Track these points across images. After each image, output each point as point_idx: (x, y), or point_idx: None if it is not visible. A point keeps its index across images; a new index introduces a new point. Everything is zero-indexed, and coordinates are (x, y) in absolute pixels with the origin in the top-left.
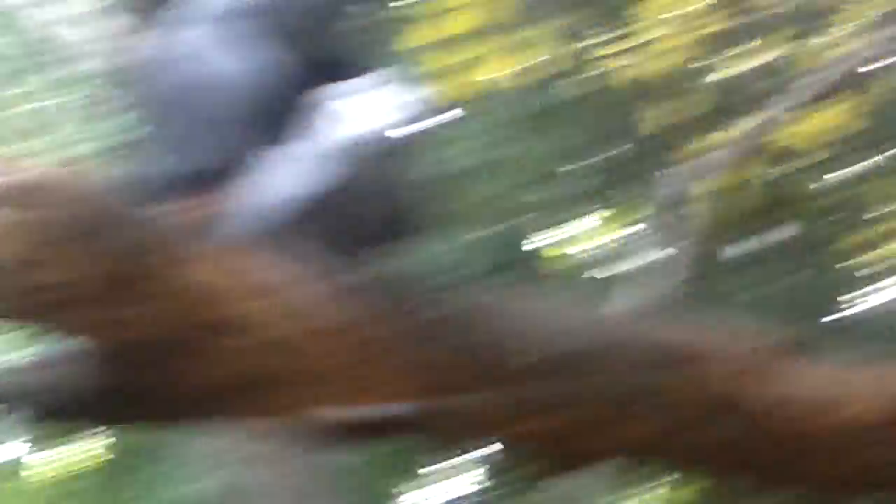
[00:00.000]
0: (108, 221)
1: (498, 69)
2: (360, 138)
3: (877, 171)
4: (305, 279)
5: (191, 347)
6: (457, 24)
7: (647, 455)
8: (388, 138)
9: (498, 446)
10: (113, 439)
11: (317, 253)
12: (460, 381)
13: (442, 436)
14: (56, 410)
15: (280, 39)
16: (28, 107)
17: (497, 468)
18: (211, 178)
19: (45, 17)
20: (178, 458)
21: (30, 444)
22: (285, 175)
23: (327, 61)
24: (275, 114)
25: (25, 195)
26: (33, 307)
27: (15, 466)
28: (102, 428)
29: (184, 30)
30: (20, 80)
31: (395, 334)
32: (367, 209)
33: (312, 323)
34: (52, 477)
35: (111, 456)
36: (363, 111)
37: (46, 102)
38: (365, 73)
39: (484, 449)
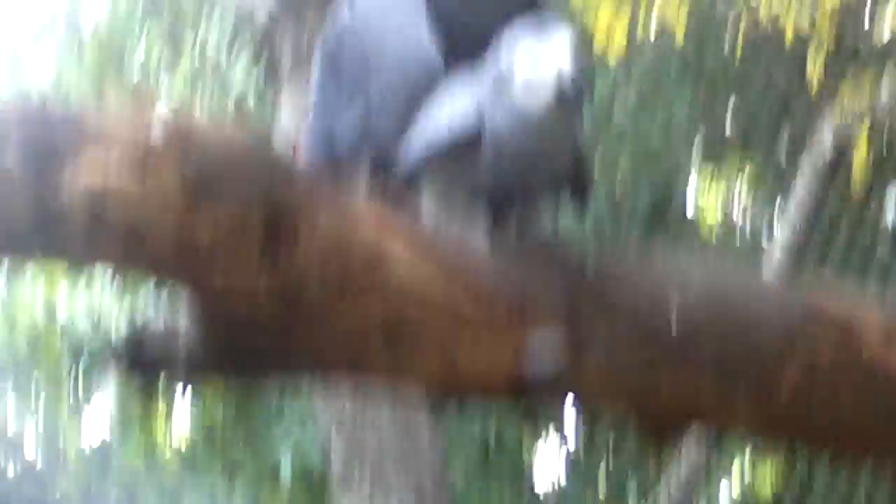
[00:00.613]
0: (262, 171)
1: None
2: (558, 79)
3: None
4: (452, 233)
5: (336, 295)
6: None
7: (793, 428)
8: (577, 83)
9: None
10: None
11: (471, 206)
12: (608, 341)
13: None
14: (183, 366)
15: None
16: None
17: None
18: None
19: None
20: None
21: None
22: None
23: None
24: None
25: (185, 147)
26: (190, 261)
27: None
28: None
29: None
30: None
31: (539, 291)
32: (555, 157)
33: (454, 277)
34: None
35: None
36: (550, 54)
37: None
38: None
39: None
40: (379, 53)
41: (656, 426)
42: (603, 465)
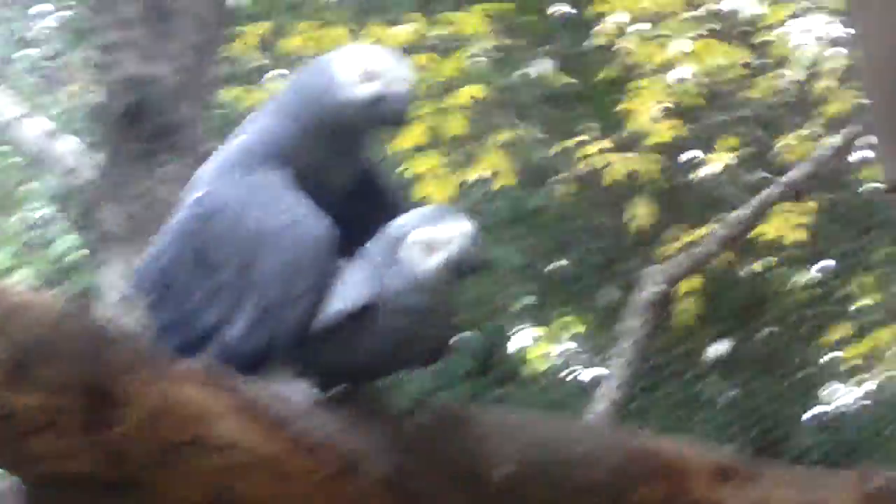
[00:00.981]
0: (85, 342)
1: (486, 169)
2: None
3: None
4: (276, 390)
5: (165, 468)
6: (451, 126)
7: None
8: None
9: None
10: None
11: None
12: (436, 494)
13: None
14: None
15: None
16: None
17: None
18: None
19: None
20: None
21: None
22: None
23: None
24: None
25: (7, 316)
26: (11, 433)
27: None
28: None
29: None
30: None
31: (367, 446)
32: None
33: (278, 431)
34: None
35: None
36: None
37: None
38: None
39: None
40: (267, 240)
41: None
42: None
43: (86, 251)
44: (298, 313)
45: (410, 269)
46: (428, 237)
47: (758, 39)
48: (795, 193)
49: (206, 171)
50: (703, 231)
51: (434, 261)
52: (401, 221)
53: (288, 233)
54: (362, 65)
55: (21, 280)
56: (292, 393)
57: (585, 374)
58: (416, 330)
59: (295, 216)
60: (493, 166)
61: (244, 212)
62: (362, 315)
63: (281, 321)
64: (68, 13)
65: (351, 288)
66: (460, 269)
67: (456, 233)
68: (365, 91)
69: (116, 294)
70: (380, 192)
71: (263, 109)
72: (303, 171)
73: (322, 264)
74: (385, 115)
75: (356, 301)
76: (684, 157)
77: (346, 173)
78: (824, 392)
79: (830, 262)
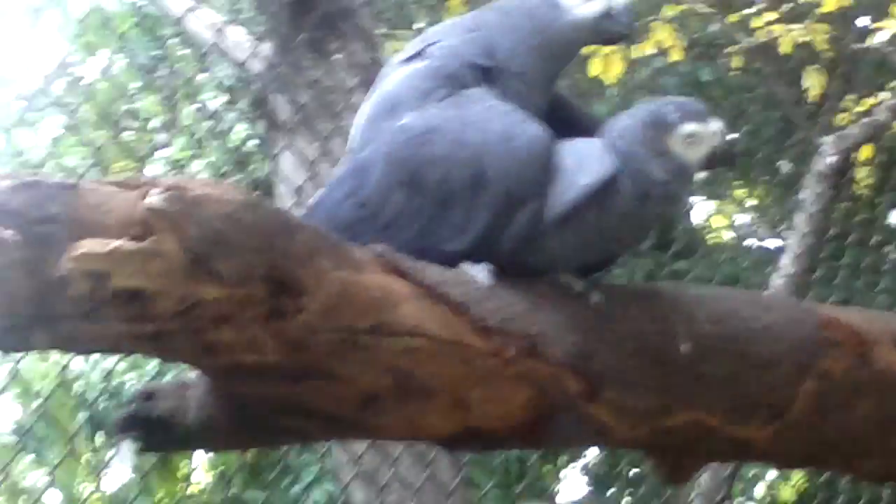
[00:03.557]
0: (263, 232)
1: (654, 45)
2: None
3: None
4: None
5: (347, 356)
6: None
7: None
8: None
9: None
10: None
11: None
12: (620, 374)
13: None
14: (189, 435)
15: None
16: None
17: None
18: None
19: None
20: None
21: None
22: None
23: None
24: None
25: (184, 217)
26: (195, 325)
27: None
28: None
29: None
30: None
31: (548, 328)
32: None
33: (462, 313)
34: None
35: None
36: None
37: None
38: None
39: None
40: (493, 150)
41: (672, 464)
42: (624, 491)
43: (259, 141)
44: (532, 213)
45: (680, 158)
46: (695, 130)
47: None
48: None
49: (398, 94)
50: (875, 100)
51: (701, 153)
52: (653, 108)
53: (513, 141)
54: None
55: (197, 171)
56: (474, 275)
57: (768, 244)
58: (659, 214)
59: (514, 123)
60: (662, 41)
61: (463, 129)
62: (605, 193)
63: (517, 223)
64: None
65: (595, 163)
66: (714, 163)
67: (717, 128)
68: (591, 9)
69: (290, 185)
70: (573, 114)
71: (448, 30)
72: (504, 90)
73: (547, 166)
74: (613, 29)
75: (602, 174)
76: (858, 23)
77: (546, 95)
78: None
79: None
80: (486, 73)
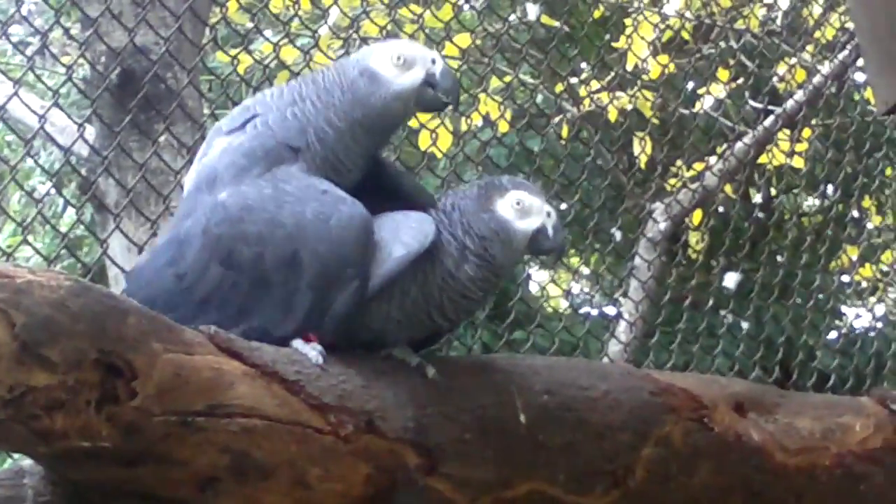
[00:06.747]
0: (93, 317)
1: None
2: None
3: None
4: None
5: (182, 439)
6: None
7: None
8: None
9: None
10: None
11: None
12: (459, 445)
13: None
14: None
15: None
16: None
17: None
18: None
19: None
20: None
21: None
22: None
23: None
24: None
25: (15, 297)
26: (27, 412)
27: None
28: None
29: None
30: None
31: (391, 408)
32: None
33: (296, 392)
34: None
35: None
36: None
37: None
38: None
39: None
40: (310, 230)
41: None
42: None
43: (88, 226)
44: (353, 290)
45: (506, 221)
46: (524, 198)
47: None
48: (792, 121)
49: (217, 169)
50: (703, 165)
51: (528, 226)
52: (493, 178)
53: (329, 221)
54: (396, 55)
55: (25, 258)
56: (306, 353)
57: (603, 312)
58: (491, 281)
59: (329, 203)
60: (490, 112)
61: (279, 209)
62: (423, 262)
63: (341, 302)
64: None
65: (410, 234)
66: (541, 248)
67: (547, 208)
68: (411, 78)
69: (121, 267)
70: (402, 186)
71: (269, 102)
72: (320, 166)
73: (366, 243)
74: (435, 97)
75: (415, 245)
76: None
77: (363, 165)
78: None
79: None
80: (302, 151)
